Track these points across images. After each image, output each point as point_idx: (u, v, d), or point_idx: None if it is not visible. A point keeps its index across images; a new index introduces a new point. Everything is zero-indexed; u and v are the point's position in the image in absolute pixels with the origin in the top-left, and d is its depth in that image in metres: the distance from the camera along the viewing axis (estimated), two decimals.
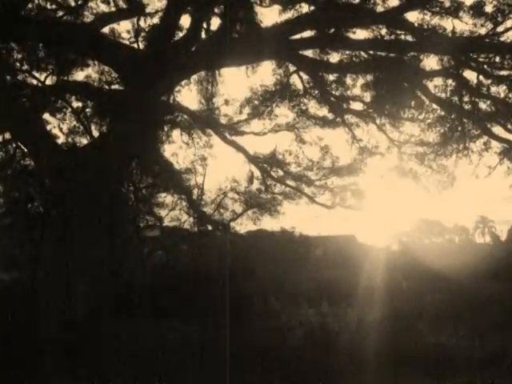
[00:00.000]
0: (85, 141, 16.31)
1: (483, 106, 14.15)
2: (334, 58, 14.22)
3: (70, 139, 16.57)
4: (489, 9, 12.51)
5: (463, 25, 12.84)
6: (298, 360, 8.73)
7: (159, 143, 16.91)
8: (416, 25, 12.80)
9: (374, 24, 13.09)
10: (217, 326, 11.02)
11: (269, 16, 14.15)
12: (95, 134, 16.17)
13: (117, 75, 14.34)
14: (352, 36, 13.49)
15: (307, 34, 13.47)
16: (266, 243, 24.33)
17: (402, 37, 13.23)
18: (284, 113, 16.76)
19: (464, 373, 8.36)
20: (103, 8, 14.06)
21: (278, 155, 17.70)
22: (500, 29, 12.73)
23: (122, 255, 15.69)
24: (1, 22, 11.21)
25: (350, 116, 16.16)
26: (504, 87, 13.58)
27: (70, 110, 16.22)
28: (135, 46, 14.35)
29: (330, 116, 16.19)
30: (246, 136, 17.29)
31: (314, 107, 16.17)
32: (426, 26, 12.76)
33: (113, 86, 14.98)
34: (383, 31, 13.18)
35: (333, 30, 13.37)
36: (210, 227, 20.93)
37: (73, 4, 13.57)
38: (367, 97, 15.25)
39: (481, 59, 13.44)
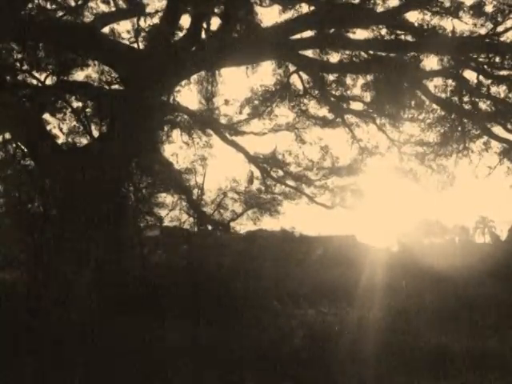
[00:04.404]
0: (85, 141, 16.32)
1: (483, 106, 14.19)
2: (334, 57, 14.27)
3: (69, 139, 16.55)
4: (489, 9, 12.55)
5: (463, 25, 12.89)
6: (298, 360, 8.73)
7: (159, 143, 16.91)
8: (416, 25, 12.81)
9: (374, 24, 13.10)
10: (217, 326, 11.01)
11: (269, 16, 14.22)
12: (95, 134, 16.18)
13: (117, 75, 14.35)
14: (352, 36, 13.52)
15: (307, 33, 13.49)
16: (266, 243, 24.31)
17: (402, 37, 13.25)
18: (284, 113, 16.81)
19: (463, 373, 8.36)
20: (103, 8, 14.10)
21: (278, 155, 17.74)
22: (500, 29, 12.75)
23: (122, 255, 15.68)
24: (1, 22, 11.20)
25: (350, 116, 16.20)
26: (504, 87, 13.60)
27: (69, 109, 16.22)
28: (135, 45, 14.37)
29: (330, 116, 16.23)
30: (245, 136, 17.33)
31: (313, 107, 16.22)
32: (426, 26, 12.77)
33: (113, 86, 14.99)
34: (383, 31, 13.21)
35: (333, 30, 13.38)
36: (210, 227, 20.95)
37: (73, 4, 13.57)
38: (367, 97, 15.29)
39: (481, 59, 13.46)
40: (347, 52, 13.96)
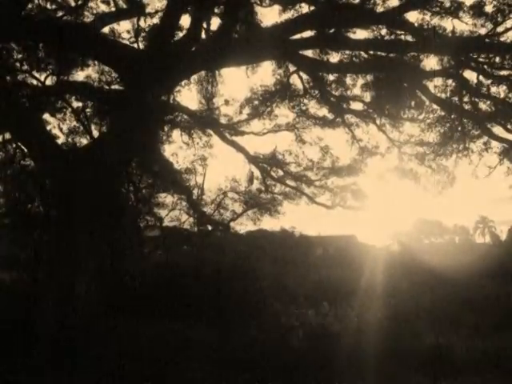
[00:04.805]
0: (85, 141, 16.34)
1: (483, 106, 14.14)
2: (334, 58, 14.22)
3: (70, 139, 16.59)
4: (489, 9, 12.50)
5: (463, 25, 12.82)
6: (298, 360, 8.73)
7: (159, 143, 16.92)
8: (416, 25, 12.77)
9: (374, 24, 13.08)
10: (217, 326, 11.02)
11: (269, 16, 14.19)
12: (95, 134, 16.20)
13: (117, 75, 14.35)
14: (352, 36, 13.49)
15: (307, 34, 13.45)
16: (266, 243, 24.33)
17: (402, 37, 13.21)
18: (284, 113, 16.80)
19: (463, 373, 8.36)
20: (103, 8, 14.07)
21: (278, 155, 17.74)
22: (500, 29, 12.69)
23: (122, 255, 15.68)
24: (1, 22, 11.19)
25: (350, 116, 16.17)
26: (504, 87, 13.56)
27: (70, 110, 16.23)
28: (135, 46, 14.36)
29: (330, 116, 16.20)
30: (245, 136, 17.31)
31: (313, 107, 16.18)
32: (426, 26, 12.73)
33: (113, 86, 14.99)
34: (383, 31, 13.16)
35: (333, 30, 13.35)
36: (210, 227, 20.95)
37: (73, 4, 13.56)
38: (367, 97, 15.26)
39: (481, 59, 13.42)
40: (347, 52, 13.94)
